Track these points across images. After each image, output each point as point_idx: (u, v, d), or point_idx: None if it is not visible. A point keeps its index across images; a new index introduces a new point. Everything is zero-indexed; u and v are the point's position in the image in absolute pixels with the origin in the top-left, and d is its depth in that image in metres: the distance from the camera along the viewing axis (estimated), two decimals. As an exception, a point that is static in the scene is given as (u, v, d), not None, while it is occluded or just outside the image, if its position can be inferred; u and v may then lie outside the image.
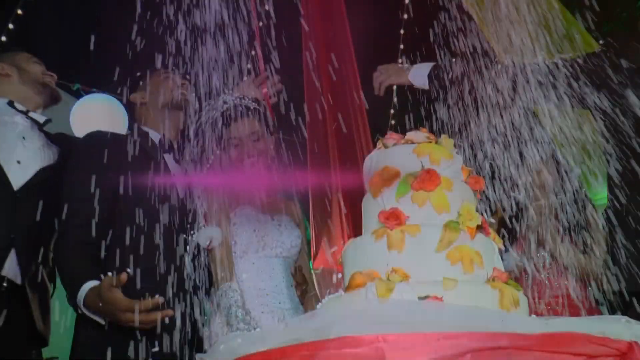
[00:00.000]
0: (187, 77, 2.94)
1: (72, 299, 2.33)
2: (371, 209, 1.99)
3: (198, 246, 2.62)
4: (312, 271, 4.15)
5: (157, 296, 2.22)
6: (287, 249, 2.78)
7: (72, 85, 6.09)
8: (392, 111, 6.10)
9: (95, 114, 5.44)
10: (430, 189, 1.91)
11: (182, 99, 2.86)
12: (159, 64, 2.88)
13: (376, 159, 2.07)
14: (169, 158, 2.78)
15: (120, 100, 5.52)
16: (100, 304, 2.22)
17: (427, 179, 1.91)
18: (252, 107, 2.84)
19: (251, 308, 2.59)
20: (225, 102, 2.85)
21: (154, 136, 2.80)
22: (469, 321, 1.53)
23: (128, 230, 2.45)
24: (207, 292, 2.70)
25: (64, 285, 2.38)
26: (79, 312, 2.33)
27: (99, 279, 2.27)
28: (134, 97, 2.90)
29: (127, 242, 2.44)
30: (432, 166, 1.96)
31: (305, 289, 2.80)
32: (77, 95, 5.98)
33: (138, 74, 2.96)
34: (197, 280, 2.59)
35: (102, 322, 2.28)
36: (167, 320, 2.22)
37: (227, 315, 2.50)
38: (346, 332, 1.51)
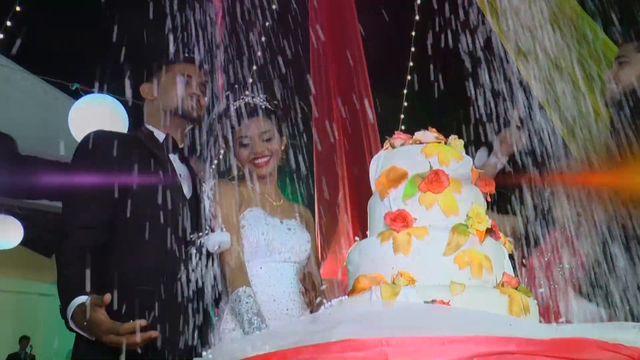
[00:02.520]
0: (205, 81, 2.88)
1: (62, 312, 2.34)
2: (377, 210, 2.01)
3: (206, 250, 2.63)
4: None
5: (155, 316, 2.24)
6: (296, 253, 2.79)
7: (71, 85, 6.16)
8: (402, 116, 6.13)
9: (94, 114, 5.47)
10: (439, 190, 1.92)
11: (193, 109, 2.81)
12: (162, 62, 2.86)
13: (383, 159, 2.08)
14: (174, 158, 2.78)
15: (121, 101, 5.57)
16: (85, 323, 2.24)
17: (435, 180, 1.92)
18: (263, 106, 2.86)
19: None
20: (236, 100, 2.87)
21: (159, 135, 2.79)
22: (476, 325, 1.54)
23: (132, 232, 2.47)
24: (215, 297, 2.71)
25: (59, 295, 2.40)
26: (68, 326, 2.35)
27: (96, 289, 2.29)
28: (143, 89, 2.85)
29: (131, 244, 2.46)
30: (440, 167, 1.97)
31: (314, 296, 2.81)
32: (76, 95, 6.04)
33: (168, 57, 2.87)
34: (204, 284, 2.60)
35: (91, 338, 2.30)
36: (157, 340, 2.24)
37: (241, 322, 2.50)
38: (349, 335, 1.52)
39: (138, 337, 2.16)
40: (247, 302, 2.51)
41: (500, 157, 2.96)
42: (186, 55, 2.87)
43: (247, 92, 2.91)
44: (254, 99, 2.86)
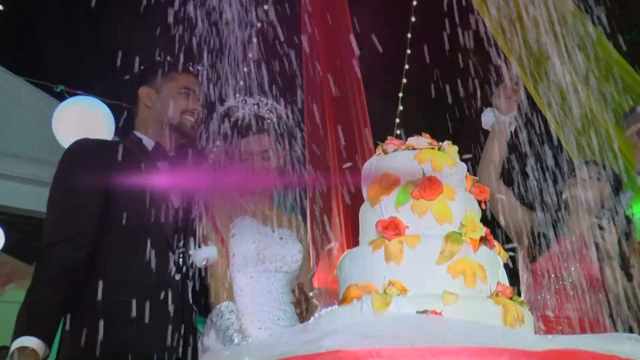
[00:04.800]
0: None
1: (13, 336, 2.34)
2: (369, 218, 2.01)
3: (193, 264, 2.63)
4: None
5: None
6: (288, 263, 2.80)
7: (56, 87, 6.15)
8: (397, 120, 6.15)
9: (79, 117, 5.46)
10: (432, 197, 1.93)
11: (193, 128, 2.79)
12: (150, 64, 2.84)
13: (375, 166, 2.09)
14: (163, 166, 2.77)
15: (107, 103, 5.57)
16: None
17: (428, 186, 1.93)
18: (269, 120, 2.83)
19: (247, 323, 2.61)
20: (238, 109, 2.84)
21: (148, 143, 2.76)
22: (469, 336, 1.55)
23: (117, 242, 2.47)
24: (203, 309, 2.71)
25: (17, 316, 2.39)
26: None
27: (66, 311, 2.30)
28: (142, 92, 2.77)
29: (116, 254, 2.46)
30: (434, 173, 1.97)
31: (306, 307, 2.82)
32: (61, 97, 6.03)
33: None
34: (191, 298, 2.61)
35: None
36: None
37: (223, 337, 2.51)
38: (339, 346, 1.53)
39: None
40: (228, 318, 2.52)
41: (508, 114, 2.97)
42: (190, 66, 2.83)
43: (250, 100, 2.86)
44: (259, 110, 2.83)
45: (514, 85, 2.96)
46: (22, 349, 2.24)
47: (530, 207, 3.24)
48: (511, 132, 2.99)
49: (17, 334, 2.28)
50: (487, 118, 3.00)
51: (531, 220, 3.22)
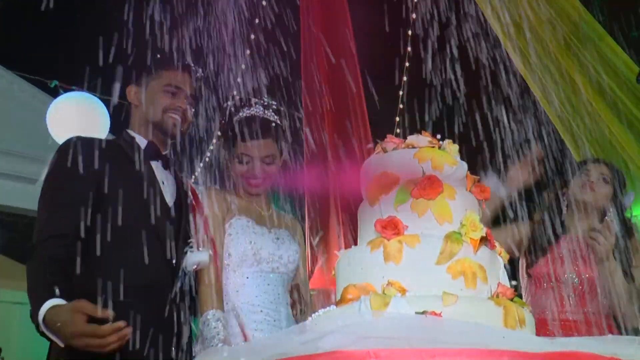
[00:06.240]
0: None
1: (33, 316, 2.35)
2: (368, 217, 2.01)
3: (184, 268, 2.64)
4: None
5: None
6: (284, 264, 2.80)
7: (50, 82, 6.14)
8: (397, 119, 6.15)
9: (74, 113, 5.46)
10: (432, 197, 1.93)
11: (176, 126, 2.77)
12: (145, 60, 2.85)
13: (374, 164, 2.09)
14: (156, 165, 2.77)
15: (102, 99, 5.57)
16: (58, 324, 2.24)
17: (428, 186, 1.93)
18: (274, 124, 2.82)
19: (244, 325, 2.62)
20: (240, 109, 2.84)
21: (141, 141, 2.77)
22: (468, 338, 1.56)
23: (108, 241, 2.47)
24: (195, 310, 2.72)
25: (29, 298, 2.40)
26: (39, 330, 2.35)
27: (65, 297, 2.30)
28: (129, 92, 2.78)
29: (107, 253, 2.46)
30: (434, 172, 1.98)
31: (303, 309, 2.83)
32: (55, 93, 6.02)
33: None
34: (185, 296, 2.61)
35: (61, 344, 2.30)
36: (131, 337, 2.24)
37: (207, 346, 2.51)
38: (336, 347, 1.54)
39: (114, 337, 2.16)
40: (215, 327, 2.52)
41: (510, 189, 2.98)
42: (178, 61, 2.82)
43: (255, 100, 2.84)
44: (265, 112, 2.82)
45: (532, 167, 2.98)
46: (54, 307, 2.25)
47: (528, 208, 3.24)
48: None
49: (38, 305, 2.29)
50: (488, 184, 3.02)
51: (526, 230, 3.23)
